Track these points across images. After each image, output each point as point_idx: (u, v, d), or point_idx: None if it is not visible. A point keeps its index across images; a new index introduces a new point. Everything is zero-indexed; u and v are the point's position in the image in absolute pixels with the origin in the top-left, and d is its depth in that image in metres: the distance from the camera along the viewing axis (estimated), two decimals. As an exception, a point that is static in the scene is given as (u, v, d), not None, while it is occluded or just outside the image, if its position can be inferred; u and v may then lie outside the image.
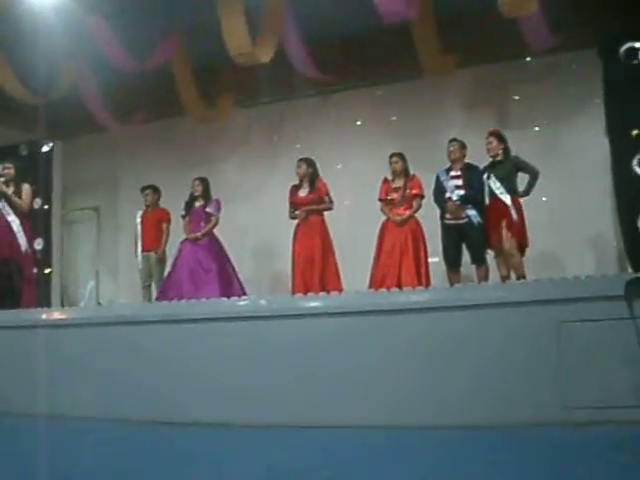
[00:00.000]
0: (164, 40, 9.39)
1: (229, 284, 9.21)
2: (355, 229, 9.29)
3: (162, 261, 9.85)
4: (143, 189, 10.10)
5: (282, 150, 11.11)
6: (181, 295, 8.57)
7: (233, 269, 9.46)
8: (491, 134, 8.20)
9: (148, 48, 9.18)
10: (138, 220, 9.99)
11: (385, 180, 8.60)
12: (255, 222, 10.74)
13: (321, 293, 7.06)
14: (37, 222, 9.45)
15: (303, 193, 8.87)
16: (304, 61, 9.07)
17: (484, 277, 8.03)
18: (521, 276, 7.69)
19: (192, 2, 8.34)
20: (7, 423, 7.04)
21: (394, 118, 10.49)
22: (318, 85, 10.16)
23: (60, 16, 8.39)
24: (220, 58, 8.73)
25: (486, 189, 8.00)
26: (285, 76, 9.41)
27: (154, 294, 9.86)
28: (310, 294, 7.12)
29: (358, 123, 10.73)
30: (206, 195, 9.52)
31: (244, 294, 8.90)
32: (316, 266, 8.60)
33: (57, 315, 8.08)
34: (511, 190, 7.93)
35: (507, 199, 7.84)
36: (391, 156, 8.61)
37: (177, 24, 9.20)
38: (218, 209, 9.46)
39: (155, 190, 10.10)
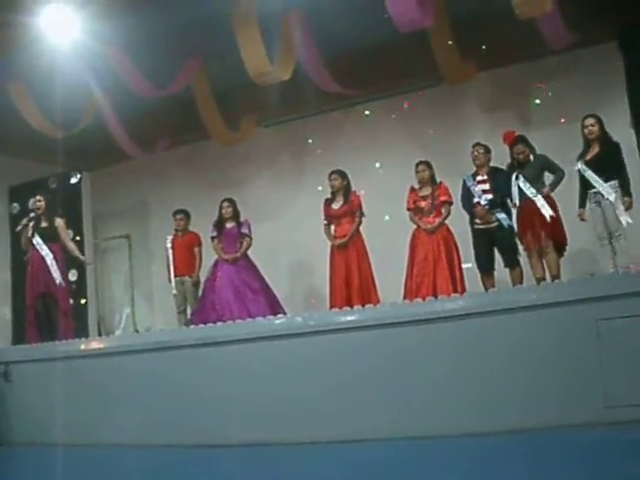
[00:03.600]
0: (184, 65, 9.46)
1: (273, 302, 9.22)
2: (387, 240, 9.25)
3: (197, 285, 9.87)
4: (175, 214, 10.13)
5: (308, 166, 11.13)
6: (225, 316, 8.60)
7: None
8: (512, 140, 8.11)
9: (168, 74, 9.26)
10: (169, 245, 9.99)
11: (412, 189, 8.57)
12: (285, 240, 10.75)
13: (357, 307, 7.05)
14: (70, 254, 9.50)
15: (337, 205, 8.87)
16: (323, 76, 9.09)
17: (518, 280, 7.97)
18: (556, 276, 7.61)
19: (208, 26, 8.40)
20: (47, 453, 7.10)
21: (417, 126, 10.44)
22: (340, 99, 10.17)
23: (80, 50, 8.49)
24: (240, 79, 8.78)
25: (515, 190, 7.92)
26: (306, 92, 9.44)
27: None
28: (347, 308, 7.12)
29: (381, 134, 10.69)
30: (236, 216, 9.55)
31: (284, 312, 8.89)
32: (353, 280, 8.59)
33: (95, 344, 8.17)
34: (540, 190, 7.85)
35: (539, 199, 7.76)
36: (417, 164, 8.59)
37: (195, 48, 9.27)
38: (250, 229, 9.49)
39: (186, 214, 10.15)
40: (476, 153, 8.30)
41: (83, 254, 10.20)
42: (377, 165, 10.67)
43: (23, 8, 7.77)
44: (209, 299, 9.31)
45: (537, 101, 9.82)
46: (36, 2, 7.81)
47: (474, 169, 8.33)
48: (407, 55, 9.30)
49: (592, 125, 7.58)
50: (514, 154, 8.04)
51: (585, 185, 7.62)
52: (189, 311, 9.89)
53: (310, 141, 11.23)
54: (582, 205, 7.70)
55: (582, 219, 7.69)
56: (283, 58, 8.68)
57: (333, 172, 8.97)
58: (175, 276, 9.90)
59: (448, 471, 4.60)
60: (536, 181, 7.87)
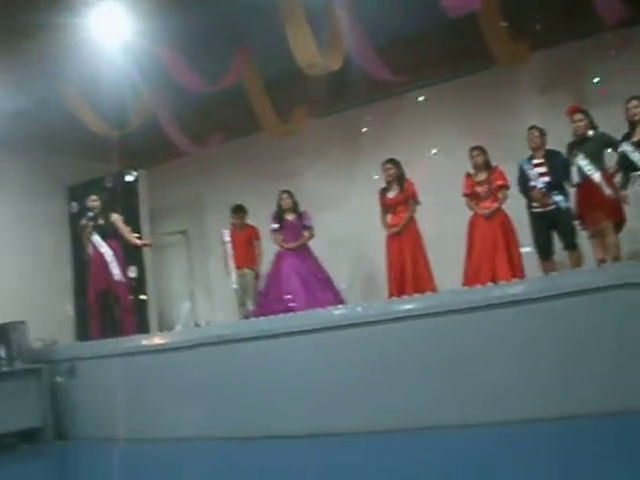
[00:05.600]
0: (234, 59, 9.48)
1: (337, 292, 9.25)
2: (442, 227, 9.19)
3: (258, 277, 9.92)
4: (233, 212, 10.19)
5: (361, 156, 11.09)
6: (293, 307, 8.63)
7: None
8: (574, 111, 7.99)
9: (219, 69, 9.28)
10: (227, 239, 10.04)
11: (468, 175, 8.51)
12: (341, 230, 10.73)
13: (416, 295, 7.04)
14: (130, 242, 9.63)
15: (392, 194, 8.85)
16: (374, 64, 9.03)
17: (578, 262, 7.85)
18: (616, 258, 7.47)
19: (257, 19, 8.41)
20: (110, 448, 7.22)
21: (470, 111, 10.31)
22: (391, 87, 10.11)
23: (130, 49, 8.58)
24: (291, 71, 8.77)
25: (574, 169, 7.78)
26: (358, 82, 9.38)
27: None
28: (406, 297, 7.11)
29: (434, 120, 10.60)
30: (295, 207, 9.57)
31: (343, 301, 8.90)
32: (409, 268, 8.55)
33: (157, 340, 8.27)
34: (600, 167, 7.69)
35: (597, 176, 7.61)
36: (471, 150, 8.52)
37: (244, 42, 9.28)
38: (311, 221, 9.52)
39: (243, 211, 10.21)
40: (532, 136, 8.19)
41: (136, 251, 10.31)
42: (432, 152, 10.57)
43: (72, 10, 7.86)
44: (274, 291, 9.31)
45: (595, 79, 9.60)
46: (86, 3, 7.88)
47: (530, 153, 8.22)
48: (458, 39, 9.19)
49: (636, 107, 7.43)
50: (573, 123, 7.90)
51: (629, 167, 7.44)
52: (249, 304, 9.94)
53: (363, 130, 11.17)
54: (625, 187, 7.53)
55: (626, 202, 7.52)
56: (332, 48, 8.64)
57: (387, 161, 8.97)
58: (236, 269, 9.94)
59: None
60: (595, 159, 7.71)
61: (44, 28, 8.18)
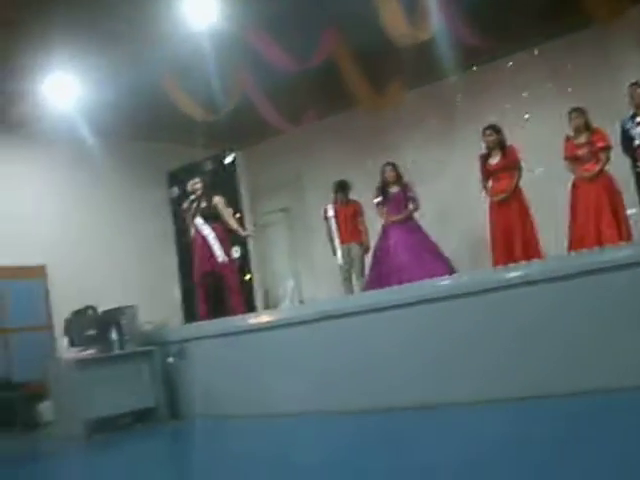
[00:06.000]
0: (322, 35, 9.47)
1: (448, 263, 9.18)
2: (543, 193, 8.99)
3: (367, 252, 9.93)
4: (338, 187, 10.20)
5: (459, 124, 10.97)
6: (406, 279, 8.49)
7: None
8: None
9: (309, 46, 9.30)
10: (330, 214, 10.06)
11: (568, 138, 8.29)
12: (444, 201, 10.65)
13: (524, 262, 6.94)
14: (231, 228, 9.75)
15: (494, 160, 8.68)
16: (463, 30, 8.89)
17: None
18: None
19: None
20: (225, 425, 7.38)
21: (566, 73, 10.05)
22: (485, 53, 9.92)
23: (220, 33, 8.69)
24: (381, 43, 8.71)
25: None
26: (448, 50, 9.24)
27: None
28: (515, 264, 7.02)
29: (529, 85, 10.37)
30: (399, 179, 9.53)
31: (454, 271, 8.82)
32: (516, 235, 8.39)
33: (264, 318, 8.39)
34: None
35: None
36: (570, 112, 8.29)
37: (332, 17, 9.25)
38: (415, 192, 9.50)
39: (344, 187, 10.18)
40: (634, 93, 7.92)
41: (244, 229, 10.43)
42: (526, 117, 10.33)
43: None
44: (385, 265, 9.29)
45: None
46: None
47: (632, 111, 7.96)
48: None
49: None
50: None
51: None
52: (354, 279, 9.97)
53: (459, 99, 11.01)
54: None
55: None
56: (421, 18, 8.55)
57: (487, 127, 8.79)
58: (341, 243, 9.98)
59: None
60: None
61: (139, 16, 8.35)
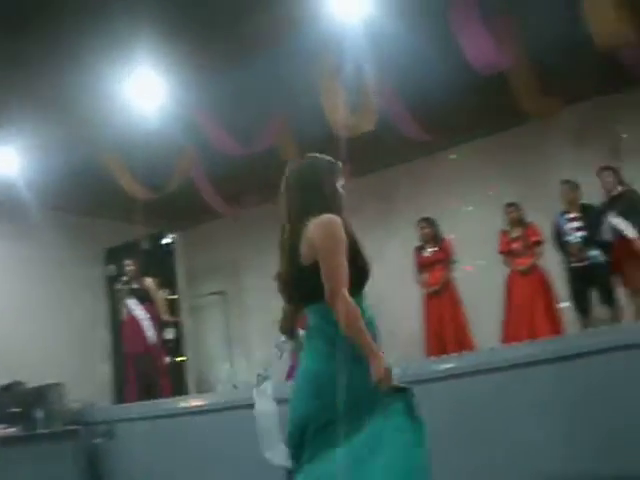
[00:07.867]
0: (268, 121, 9.59)
1: None
2: (478, 285, 9.11)
3: None
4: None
5: (394, 215, 11.09)
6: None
7: None
8: (604, 169, 7.98)
9: (253, 131, 9.40)
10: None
11: (503, 232, 8.47)
12: (377, 288, 10.68)
13: (454, 354, 6.98)
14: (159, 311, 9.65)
15: (428, 253, 8.80)
16: (407, 124, 9.08)
17: (617, 317, 7.75)
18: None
19: (291, 84, 8.51)
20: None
21: (503, 167, 10.31)
22: (425, 146, 10.13)
23: (167, 114, 8.75)
24: (326, 132, 8.84)
25: (607, 227, 7.73)
26: (391, 142, 9.43)
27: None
28: (445, 355, 7.05)
29: (467, 177, 10.60)
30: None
31: None
32: (448, 327, 8.48)
33: (195, 402, 8.24)
34: (636, 224, 7.61)
35: (631, 233, 7.55)
36: (506, 206, 8.50)
37: (278, 104, 9.37)
38: None
39: None
40: (565, 191, 8.17)
41: (174, 312, 10.35)
42: (469, 209, 10.53)
43: (109, 77, 8.06)
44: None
45: (624, 135, 9.57)
46: (125, 71, 8.07)
47: (564, 207, 8.19)
48: (490, 96, 9.21)
49: None
50: (602, 184, 7.90)
51: None
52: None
53: (396, 190, 11.17)
54: None
55: None
56: (364, 109, 8.71)
57: (421, 220, 8.94)
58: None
59: None
60: (629, 215, 7.65)
61: (85, 92, 8.37)
